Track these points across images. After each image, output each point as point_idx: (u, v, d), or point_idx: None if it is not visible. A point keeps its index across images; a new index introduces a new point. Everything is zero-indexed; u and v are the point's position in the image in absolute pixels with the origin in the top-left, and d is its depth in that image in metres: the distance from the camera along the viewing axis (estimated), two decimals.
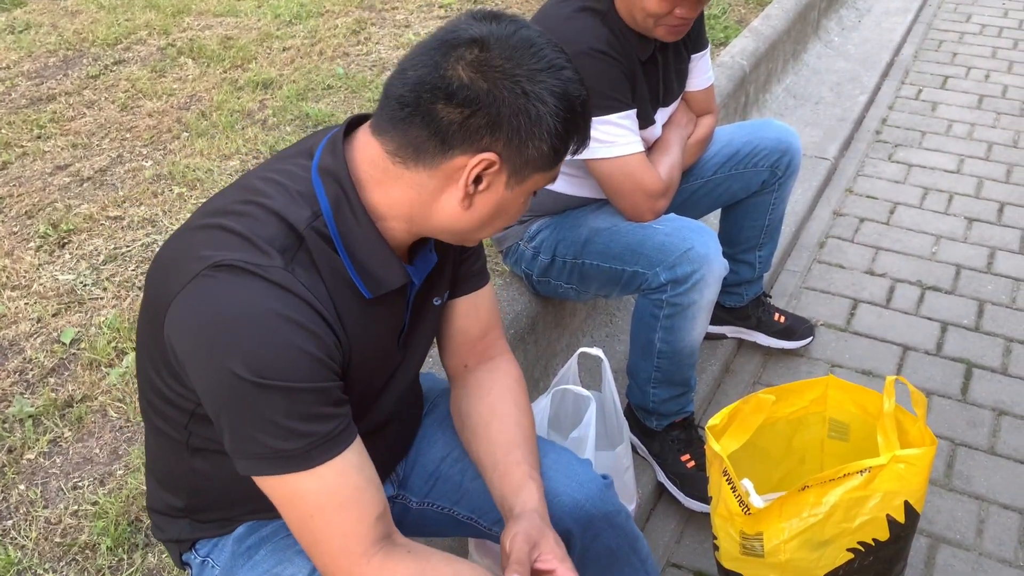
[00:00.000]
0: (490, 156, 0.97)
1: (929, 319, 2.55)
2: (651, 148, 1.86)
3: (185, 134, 3.16)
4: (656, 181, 1.74)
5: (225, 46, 3.88)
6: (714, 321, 2.34)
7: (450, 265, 1.22)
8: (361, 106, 3.36)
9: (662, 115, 1.91)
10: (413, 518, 1.35)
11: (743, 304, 2.30)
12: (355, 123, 1.08)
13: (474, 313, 1.29)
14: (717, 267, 1.68)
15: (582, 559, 1.25)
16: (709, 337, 2.36)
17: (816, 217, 3.01)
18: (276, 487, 0.99)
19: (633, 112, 1.70)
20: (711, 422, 1.55)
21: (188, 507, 1.20)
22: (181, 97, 3.42)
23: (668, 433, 1.93)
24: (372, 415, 1.18)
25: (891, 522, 1.44)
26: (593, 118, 1.66)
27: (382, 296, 1.07)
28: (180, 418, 1.09)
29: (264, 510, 1.13)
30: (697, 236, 1.68)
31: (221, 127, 3.18)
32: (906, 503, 1.44)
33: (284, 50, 3.89)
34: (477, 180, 1.00)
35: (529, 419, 1.27)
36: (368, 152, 1.02)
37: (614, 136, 1.67)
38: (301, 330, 0.95)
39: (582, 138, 1.05)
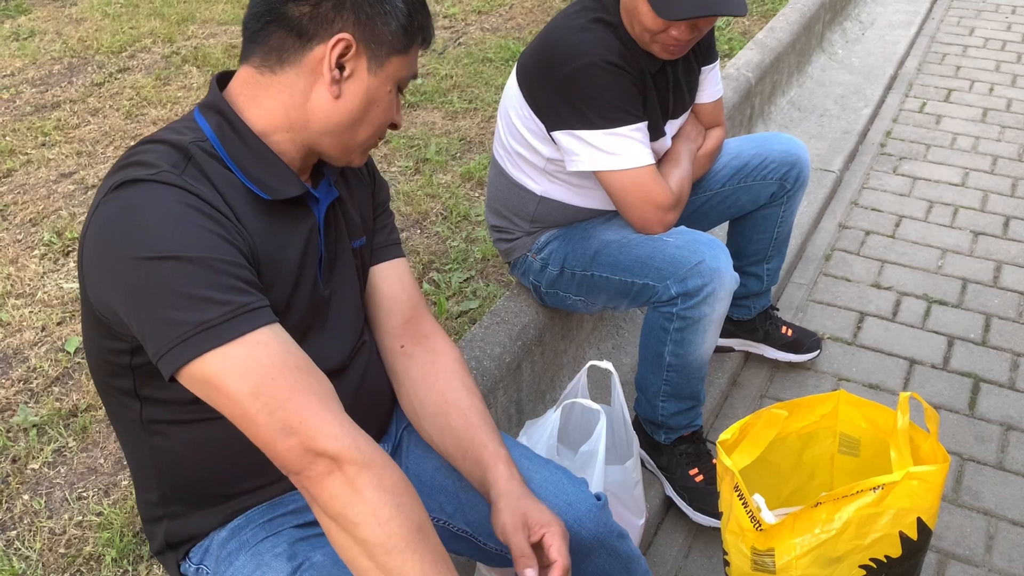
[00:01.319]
0: (344, 36, 1.04)
1: (936, 333, 2.54)
2: (661, 160, 1.86)
3: None
4: (666, 193, 1.73)
5: (229, 54, 3.88)
6: (722, 334, 2.33)
7: (359, 210, 1.26)
8: None
9: (672, 127, 1.90)
10: None
11: (751, 317, 2.30)
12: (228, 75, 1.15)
13: (398, 281, 1.31)
14: (728, 281, 1.68)
15: None
16: (716, 350, 2.35)
17: (822, 230, 3.01)
18: (212, 371, 0.93)
19: (644, 124, 1.70)
20: (722, 436, 1.54)
21: (161, 499, 1.18)
22: (185, 105, 3.42)
23: (676, 447, 1.92)
24: (321, 362, 1.15)
25: (904, 539, 1.43)
26: (603, 131, 1.67)
27: (286, 210, 1.10)
28: (126, 382, 1.08)
29: (240, 493, 1.15)
30: (708, 249, 1.68)
31: None
32: (919, 520, 1.43)
33: None
34: (341, 68, 1.06)
35: (479, 398, 1.27)
36: (241, 77, 1.09)
37: (624, 148, 1.67)
38: (197, 213, 0.97)
39: (426, 16, 1.11)
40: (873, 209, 3.15)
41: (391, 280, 1.31)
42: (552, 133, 1.73)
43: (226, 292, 0.94)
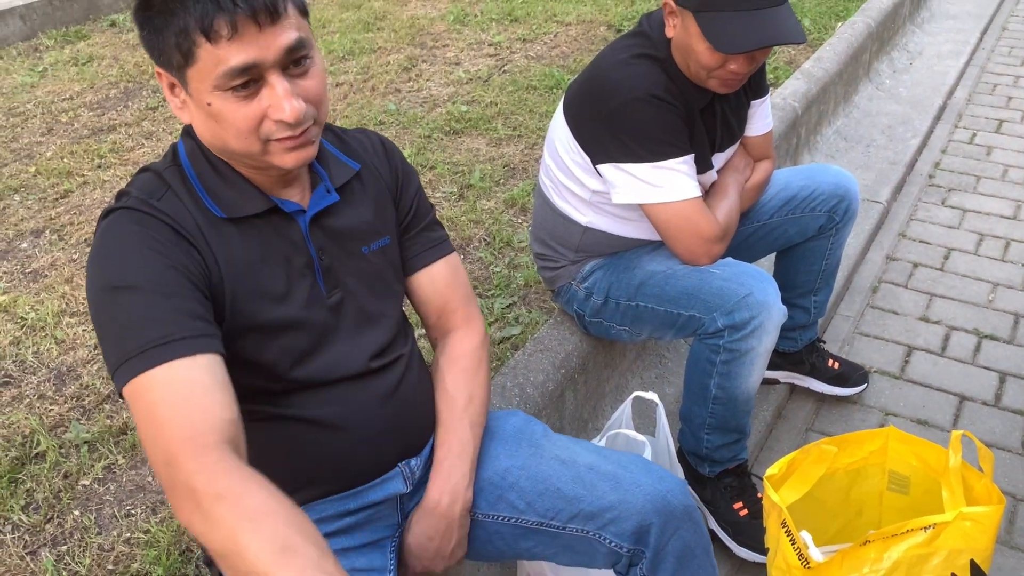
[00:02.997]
0: (157, 70, 1.07)
1: (987, 369, 2.49)
2: (709, 192, 1.86)
3: None
4: (713, 226, 1.73)
5: None
6: (769, 366, 2.30)
7: (374, 212, 1.27)
8: (412, 141, 3.40)
9: (719, 160, 1.90)
10: (478, 532, 1.34)
11: (797, 349, 2.27)
12: None
13: (429, 284, 1.36)
14: (776, 314, 1.66)
15: (658, 554, 1.26)
16: (762, 382, 2.32)
17: (869, 261, 2.97)
18: (129, 397, 0.99)
19: (691, 157, 1.70)
20: (770, 471, 1.52)
21: None
22: None
23: (721, 480, 1.90)
24: (328, 368, 1.20)
25: None
26: (649, 164, 1.67)
27: (264, 224, 1.14)
28: None
29: None
30: (756, 282, 1.67)
31: None
32: (972, 563, 1.39)
33: (337, 85, 3.96)
34: (173, 90, 1.08)
35: (460, 404, 1.33)
36: None
37: (670, 181, 1.67)
38: (149, 237, 1.04)
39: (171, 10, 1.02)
40: (921, 241, 3.11)
41: (424, 285, 1.37)
42: (598, 166, 1.74)
43: (154, 325, 0.99)
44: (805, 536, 1.45)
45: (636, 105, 1.66)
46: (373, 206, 1.28)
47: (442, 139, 3.41)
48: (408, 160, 3.45)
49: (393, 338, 1.29)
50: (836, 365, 2.31)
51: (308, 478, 1.23)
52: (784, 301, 2.18)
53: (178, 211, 1.09)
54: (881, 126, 3.81)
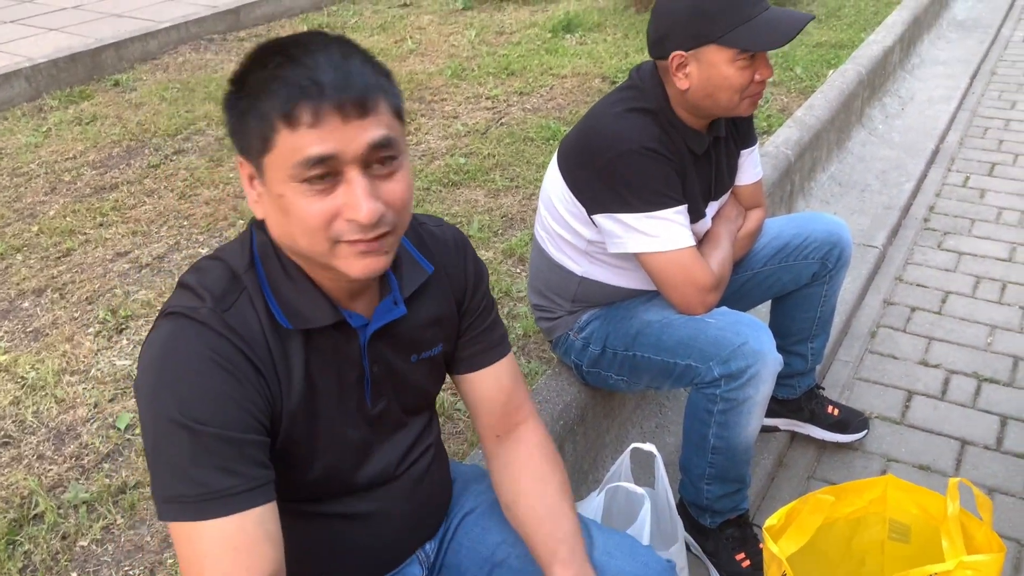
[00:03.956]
0: (238, 159, 1.02)
1: (987, 412, 2.48)
2: (701, 241, 1.88)
3: (241, 221, 3.25)
4: (707, 275, 1.74)
5: None
6: (768, 414, 2.31)
7: (436, 323, 1.22)
8: None
9: (712, 208, 1.93)
10: None
11: (796, 396, 2.27)
12: None
13: (495, 384, 1.30)
14: (772, 362, 1.67)
15: None
16: (762, 430, 2.32)
17: (866, 306, 2.98)
18: (174, 535, 0.99)
19: (684, 207, 1.73)
20: (769, 522, 1.52)
21: None
22: (237, 185, 3.53)
23: (722, 531, 1.89)
24: (367, 478, 1.19)
25: None
26: (643, 214, 1.70)
27: (324, 338, 1.09)
28: None
29: None
30: (751, 331, 1.68)
31: None
32: None
33: None
34: (252, 181, 1.02)
35: (556, 486, 1.28)
36: None
37: (664, 230, 1.69)
38: (220, 368, 0.99)
39: (269, 83, 0.95)
40: (918, 285, 3.12)
41: (487, 385, 1.30)
42: (593, 216, 1.77)
43: (211, 472, 0.98)
44: None
45: (630, 157, 1.69)
46: (436, 313, 1.22)
47: (440, 191, 3.45)
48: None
49: (422, 431, 1.28)
50: (836, 412, 2.30)
51: (329, 569, 1.23)
52: (781, 348, 2.20)
53: (249, 325, 1.03)
54: (875, 171, 3.85)
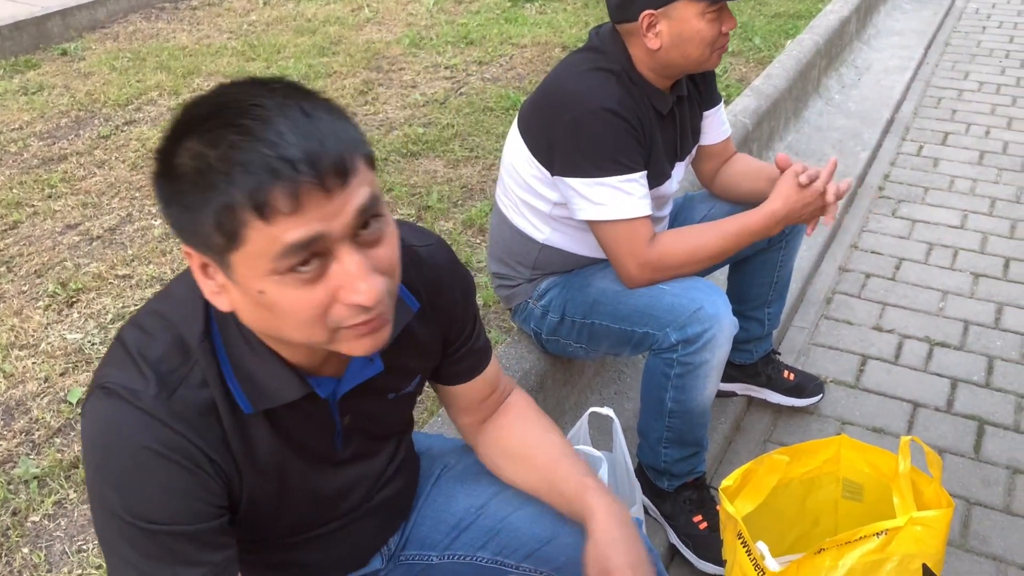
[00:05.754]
0: (185, 250, 0.87)
1: (939, 375, 2.53)
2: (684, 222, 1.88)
3: None
4: (644, 252, 1.71)
5: None
6: (724, 379, 2.33)
7: (416, 359, 1.14)
8: None
9: (679, 170, 1.92)
10: (435, 573, 1.33)
11: (753, 361, 2.30)
12: None
13: (480, 389, 1.28)
14: (727, 326, 1.68)
15: None
16: (719, 395, 2.35)
17: (822, 273, 3.02)
18: None
19: (639, 175, 1.71)
20: (724, 483, 1.53)
21: None
22: None
23: (680, 494, 1.91)
24: (340, 512, 1.17)
25: None
26: (593, 179, 1.69)
27: (290, 408, 0.98)
28: None
29: None
30: (706, 295, 1.68)
31: None
32: (924, 567, 1.41)
33: None
34: (206, 270, 0.87)
35: (559, 435, 1.28)
36: None
37: (612, 199, 1.68)
38: (166, 463, 0.89)
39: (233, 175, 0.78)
40: (873, 252, 3.16)
41: (472, 392, 1.27)
42: (554, 178, 1.75)
43: (171, 568, 0.91)
44: (761, 547, 1.46)
45: (588, 118, 1.67)
46: (419, 349, 1.13)
47: (399, 161, 3.41)
48: None
49: (396, 448, 1.24)
50: (792, 376, 2.33)
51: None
52: (738, 314, 2.21)
53: (199, 410, 0.91)
54: (831, 140, 3.88)
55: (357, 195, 0.81)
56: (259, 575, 1.17)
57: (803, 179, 1.75)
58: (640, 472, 1.97)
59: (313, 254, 0.81)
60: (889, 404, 2.43)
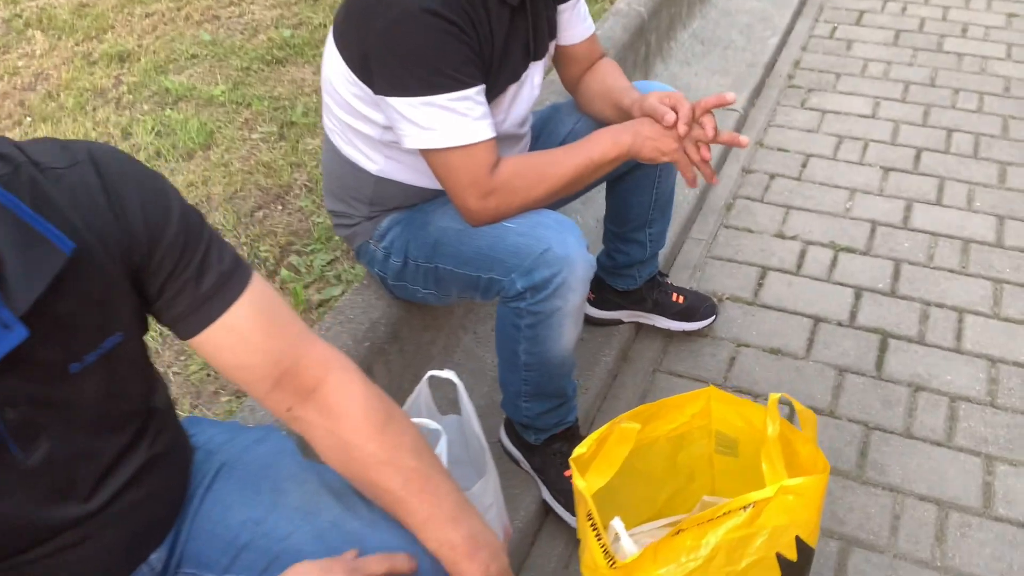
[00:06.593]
0: None
1: (842, 285, 2.36)
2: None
3: (28, 119, 2.83)
4: (485, 182, 1.45)
5: (79, 15, 3.50)
6: (607, 306, 2.13)
7: (104, 307, 0.88)
8: (228, 75, 3.03)
9: (536, 70, 1.65)
10: None
11: (637, 287, 2.08)
12: None
13: (241, 341, 0.98)
14: (581, 267, 1.45)
15: None
16: (603, 323, 2.15)
17: (724, 176, 2.80)
18: None
19: (474, 91, 1.43)
20: (577, 451, 1.34)
21: None
22: (26, 76, 3.07)
23: (549, 446, 1.72)
24: (57, 522, 0.92)
25: (782, 561, 1.25)
26: (418, 98, 1.41)
27: None
28: None
29: None
30: (555, 234, 1.44)
31: (69, 109, 2.86)
32: (797, 539, 1.25)
33: (146, 16, 3.52)
34: None
35: (398, 459, 1.03)
36: None
37: (442, 122, 1.41)
38: None
39: None
40: (779, 149, 2.94)
41: (223, 347, 0.98)
42: (376, 97, 1.47)
43: None
44: (616, 525, 1.28)
45: (405, 23, 1.38)
46: (91, 300, 0.87)
47: (263, 70, 3.06)
48: (220, 100, 3.01)
49: (132, 442, 0.98)
50: (681, 299, 2.13)
51: None
52: (618, 236, 2.00)
53: None
54: (740, 26, 3.60)
55: None
56: None
57: (667, 120, 1.50)
58: (508, 424, 1.78)
59: None
60: (789, 320, 2.26)
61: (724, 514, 1.21)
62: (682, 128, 1.51)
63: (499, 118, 1.58)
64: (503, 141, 1.61)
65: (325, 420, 1.04)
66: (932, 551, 1.71)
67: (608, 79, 1.72)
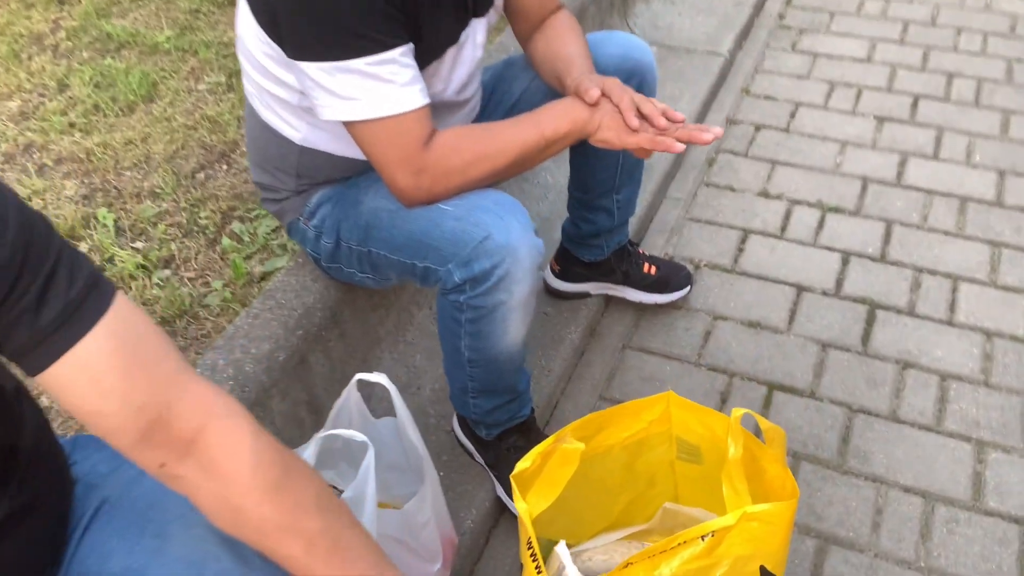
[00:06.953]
0: None
1: (829, 249, 2.19)
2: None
3: None
4: (418, 157, 1.27)
5: None
6: (574, 278, 1.97)
7: None
8: (175, 20, 2.81)
9: (479, 28, 1.45)
10: None
11: (605, 257, 1.92)
12: None
13: (88, 383, 0.80)
14: (526, 255, 1.28)
15: None
16: (570, 297, 1.99)
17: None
18: None
19: (399, 52, 1.23)
20: (520, 466, 1.19)
21: None
22: None
23: (503, 440, 1.58)
24: None
25: None
26: (333, 63, 1.22)
27: None
28: None
29: None
30: (496, 219, 1.27)
31: (2, 58, 2.65)
32: (762, 569, 1.11)
33: None
34: None
35: (293, 546, 0.89)
36: None
37: (363, 90, 1.22)
38: None
39: None
40: (767, 97, 2.74)
41: (79, 387, 0.80)
42: (289, 60, 1.28)
43: None
44: (560, 552, 1.14)
45: None
46: None
47: (213, 13, 2.83)
48: (165, 48, 2.78)
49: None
50: (653, 270, 1.97)
51: None
52: (584, 204, 1.83)
53: None
54: None
55: None
56: None
57: (633, 122, 1.31)
58: (459, 417, 1.63)
59: None
60: (770, 290, 2.10)
61: (679, 544, 1.07)
62: (633, 122, 1.33)
63: (438, 87, 1.39)
64: (442, 109, 1.43)
65: (208, 480, 0.86)
66: (916, 549, 1.58)
67: (554, 43, 1.51)
